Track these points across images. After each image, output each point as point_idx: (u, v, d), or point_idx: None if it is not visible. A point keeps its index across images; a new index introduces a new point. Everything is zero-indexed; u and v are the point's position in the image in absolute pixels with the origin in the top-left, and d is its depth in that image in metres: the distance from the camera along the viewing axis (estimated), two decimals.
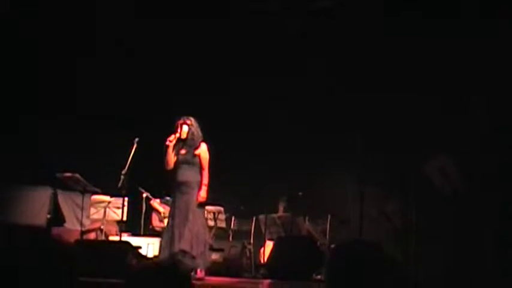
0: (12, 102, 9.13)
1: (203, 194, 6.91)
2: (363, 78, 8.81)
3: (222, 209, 9.13)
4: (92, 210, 8.98)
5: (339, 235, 8.45)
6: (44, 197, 8.60)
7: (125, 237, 8.39)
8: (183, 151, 6.99)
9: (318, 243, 8.31)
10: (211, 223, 8.76)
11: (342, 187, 8.97)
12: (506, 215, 7.20)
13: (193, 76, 9.68)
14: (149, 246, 8.50)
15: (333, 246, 8.00)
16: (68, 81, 9.48)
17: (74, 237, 8.04)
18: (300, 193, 8.67)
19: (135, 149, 7.37)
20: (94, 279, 5.66)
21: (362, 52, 8.78)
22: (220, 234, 9.27)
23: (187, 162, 6.95)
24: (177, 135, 6.96)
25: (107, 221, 9.04)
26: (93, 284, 5.60)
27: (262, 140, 9.47)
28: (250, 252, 8.65)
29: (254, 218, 9.09)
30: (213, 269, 7.33)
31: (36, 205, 8.51)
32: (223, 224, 9.25)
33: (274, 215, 8.97)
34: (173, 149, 6.99)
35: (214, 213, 8.97)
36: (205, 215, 7.66)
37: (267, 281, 7.43)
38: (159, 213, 9.42)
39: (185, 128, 6.98)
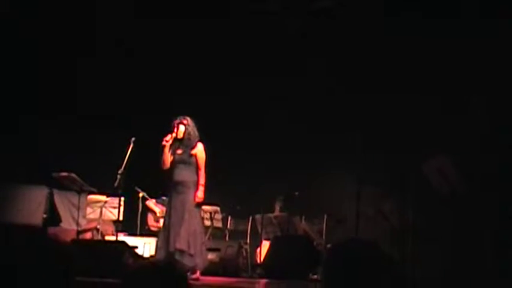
0: (10, 101, 9.12)
1: (200, 194, 6.89)
2: (363, 78, 8.82)
3: (218, 208, 9.14)
4: (88, 209, 8.97)
5: (336, 235, 8.44)
6: (40, 197, 8.58)
7: (121, 237, 8.38)
8: (179, 151, 6.97)
9: (315, 243, 8.33)
10: (207, 223, 8.76)
11: (339, 187, 8.95)
12: (505, 215, 7.20)
13: (191, 76, 9.69)
14: (145, 246, 8.50)
15: (329, 245, 8.00)
16: (66, 81, 9.48)
17: (70, 236, 8.01)
18: (297, 193, 8.67)
19: (132, 148, 7.36)
20: (90, 279, 5.64)
21: (362, 52, 8.78)
22: (216, 234, 9.29)
23: (183, 162, 6.94)
24: (174, 134, 6.94)
25: (103, 220, 9.02)
26: (90, 284, 5.59)
27: (258, 140, 9.46)
28: (246, 252, 8.62)
29: (250, 218, 9.08)
30: (210, 269, 7.29)
31: (32, 205, 8.48)
32: (219, 224, 9.26)
33: (271, 215, 8.96)
34: (169, 148, 6.97)
35: (210, 213, 8.97)
36: (202, 215, 7.63)
37: (263, 281, 7.44)
38: (155, 213, 9.40)
39: (182, 127, 6.96)
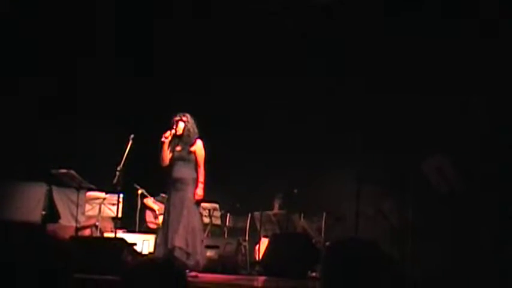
0: (9, 99, 9.11)
1: (199, 191, 6.87)
2: (363, 78, 8.82)
3: (217, 205, 9.13)
4: (87, 206, 8.97)
5: (335, 233, 8.44)
6: (39, 194, 8.58)
7: (120, 234, 8.37)
8: (178, 148, 6.95)
9: (313, 241, 8.30)
10: (206, 220, 8.76)
11: (339, 185, 8.96)
12: (504, 214, 7.21)
13: (190, 73, 9.69)
14: (144, 243, 8.48)
15: (328, 243, 7.99)
16: (66, 79, 9.48)
17: (68, 233, 8.01)
18: (296, 190, 8.66)
19: (131, 145, 7.35)
20: (89, 276, 5.61)
21: (362, 52, 8.79)
22: (215, 231, 9.28)
23: (182, 159, 6.92)
24: (173, 131, 6.92)
25: (102, 217, 9.02)
26: (88, 281, 5.57)
27: (258, 138, 9.45)
28: (245, 249, 8.61)
29: (249, 215, 9.07)
30: (208, 266, 7.28)
31: (31, 201, 8.49)
32: (218, 221, 9.25)
33: (270, 212, 8.96)
34: (169, 145, 6.95)
35: (209, 210, 8.97)
36: (201, 212, 7.63)
37: (262, 278, 7.41)
38: (154, 211, 9.39)
39: (181, 124, 6.95)
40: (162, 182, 7.34)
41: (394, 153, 8.26)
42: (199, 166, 6.92)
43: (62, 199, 8.79)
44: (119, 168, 7.27)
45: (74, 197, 8.38)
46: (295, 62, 9.28)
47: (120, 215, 8.45)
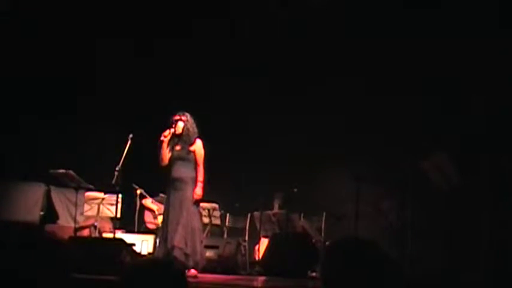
0: (7, 99, 9.09)
1: (198, 191, 6.84)
2: (363, 77, 8.83)
3: (216, 205, 9.09)
4: (86, 206, 8.93)
5: (335, 232, 8.43)
6: (37, 194, 8.58)
7: (119, 234, 8.34)
8: (178, 147, 6.92)
9: (313, 240, 8.30)
10: (205, 220, 8.72)
11: (338, 184, 8.95)
12: (503, 213, 7.20)
13: (190, 73, 9.69)
14: (143, 243, 8.46)
15: (328, 243, 7.98)
16: (65, 79, 9.48)
17: (67, 234, 7.96)
18: (295, 190, 8.63)
19: (130, 145, 7.32)
20: (88, 277, 5.59)
21: (362, 52, 8.79)
22: (214, 231, 9.24)
23: (182, 159, 6.89)
24: (172, 130, 6.89)
25: (101, 217, 8.99)
26: (87, 281, 5.54)
27: (257, 137, 9.49)
28: (245, 249, 8.60)
29: (249, 215, 9.05)
30: (208, 266, 7.26)
31: (29, 202, 8.48)
32: (217, 221, 9.21)
33: (269, 212, 8.93)
34: (168, 144, 6.92)
35: (208, 210, 8.93)
36: (200, 212, 7.60)
37: (261, 278, 7.39)
38: (153, 211, 9.37)
39: (180, 124, 6.92)
40: (161, 181, 7.31)
41: (393, 152, 8.26)
42: (198, 165, 6.89)
43: (60, 199, 8.78)
44: (117, 168, 7.24)
45: (72, 197, 8.36)
46: (295, 61, 9.28)
47: (119, 215, 8.42)
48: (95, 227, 8.88)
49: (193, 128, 6.95)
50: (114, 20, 9.09)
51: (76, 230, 8.26)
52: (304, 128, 9.24)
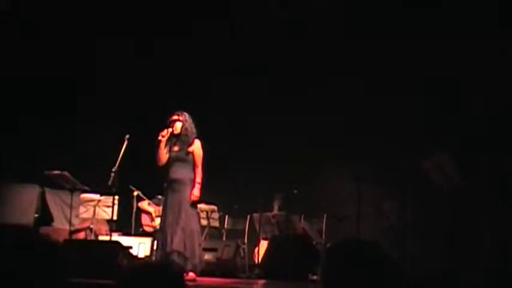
0: (7, 99, 9.12)
1: (196, 192, 6.74)
2: (363, 77, 8.87)
3: (215, 207, 9.07)
4: (81, 209, 8.88)
5: (335, 234, 8.41)
6: (32, 196, 8.56)
7: (115, 237, 8.30)
8: (176, 148, 6.83)
9: (314, 242, 8.30)
10: (204, 222, 8.71)
11: (338, 184, 8.94)
12: (504, 213, 7.22)
13: (189, 73, 9.74)
14: (140, 246, 8.43)
15: (329, 245, 7.95)
16: (63, 80, 9.52)
17: (62, 236, 7.91)
18: (295, 191, 8.56)
19: (126, 146, 7.23)
20: (83, 280, 5.52)
21: (362, 52, 8.83)
22: (213, 233, 9.24)
23: (180, 160, 6.79)
24: (170, 130, 6.78)
25: (97, 220, 8.94)
26: (83, 285, 5.49)
27: (257, 137, 9.52)
28: (244, 252, 8.59)
29: (248, 217, 9.03)
30: (206, 270, 7.24)
31: (23, 204, 8.46)
32: (216, 223, 9.21)
33: (269, 214, 8.91)
34: (166, 144, 6.81)
35: (207, 212, 8.91)
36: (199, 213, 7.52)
37: (261, 281, 7.38)
38: (150, 213, 9.31)
39: (178, 124, 6.82)
40: (159, 183, 7.24)
41: (394, 152, 8.30)
42: (197, 166, 6.80)
43: (55, 201, 8.75)
44: (114, 169, 7.16)
45: (67, 199, 8.28)
46: (294, 61, 9.31)
47: (115, 217, 8.40)
48: (91, 229, 8.82)
49: (191, 128, 6.86)
50: (114, 20, 9.15)
51: (71, 232, 8.21)
52: (304, 128, 9.28)
